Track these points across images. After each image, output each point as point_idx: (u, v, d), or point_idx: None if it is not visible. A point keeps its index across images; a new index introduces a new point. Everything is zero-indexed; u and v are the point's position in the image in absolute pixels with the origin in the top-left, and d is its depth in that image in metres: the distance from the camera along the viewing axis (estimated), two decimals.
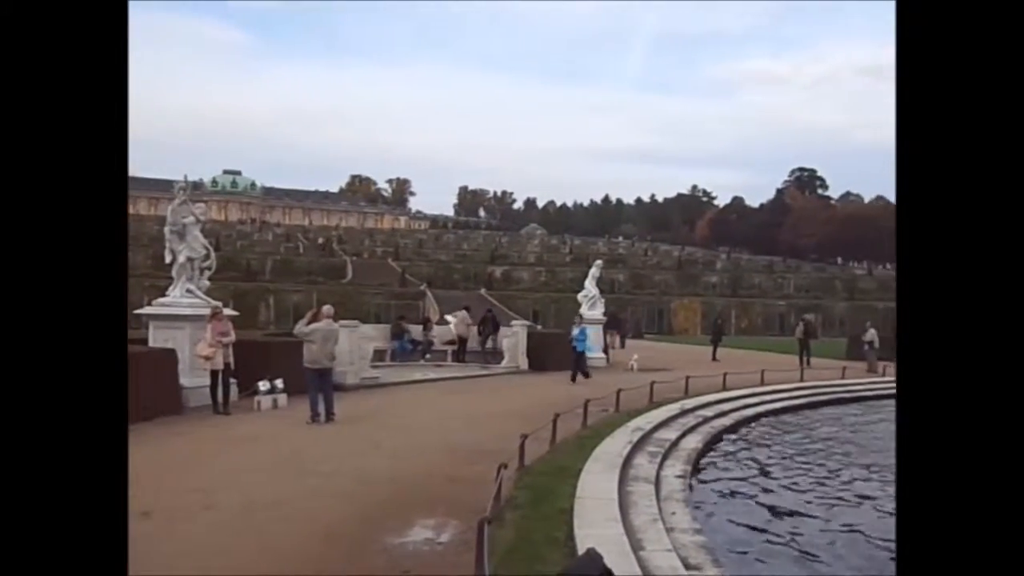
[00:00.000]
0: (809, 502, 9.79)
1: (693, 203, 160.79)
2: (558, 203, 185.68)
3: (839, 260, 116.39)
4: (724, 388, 17.86)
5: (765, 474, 11.23)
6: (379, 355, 21.79)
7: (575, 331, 20.72)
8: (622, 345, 34.00)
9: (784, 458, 12.45)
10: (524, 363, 22.36)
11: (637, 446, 10.66)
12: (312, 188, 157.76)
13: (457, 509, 7.16)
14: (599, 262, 28.32)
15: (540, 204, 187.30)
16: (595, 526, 6.57)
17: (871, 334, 27.43)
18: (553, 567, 5.34)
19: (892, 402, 19.95)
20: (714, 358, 27.35)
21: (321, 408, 12.31)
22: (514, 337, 22.85)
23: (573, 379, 19.59)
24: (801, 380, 21.26)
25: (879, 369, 24.88)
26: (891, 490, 10.32)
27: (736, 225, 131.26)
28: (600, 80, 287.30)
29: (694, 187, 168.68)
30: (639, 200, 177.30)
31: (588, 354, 24.56)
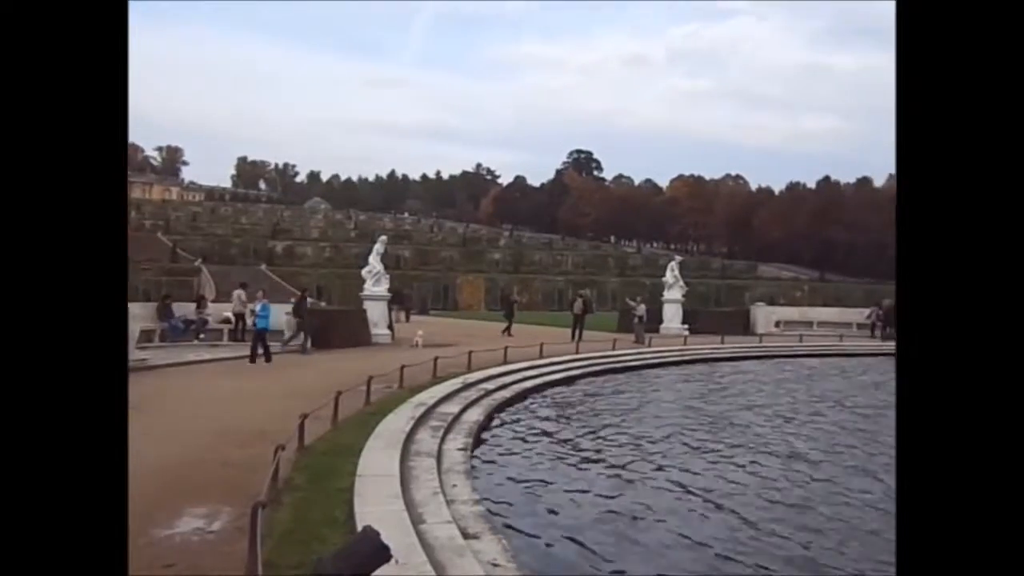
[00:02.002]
0: (582, 466, 10.41)
1: (477, 181, 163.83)
2: (343, 177, 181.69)
3: (612, 239, 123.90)
4: (505, 362, 18.43)
5: (546, 441, 11.76)
6: (148, 336, 20.30)
7: (257, 307, 19.49)
8: (407, 320, 34.14)
9: (560, 418, 13.11)
10: (308, 341, 21.71)
11: (420, 421, 10.77)
12: None
13: (231, 495, 6.87)
14: (384, 238, 28.06)
15: (324, 178, 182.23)
16: (376, 503, 6.57)
17: (640, 308, 29.48)
18: (332, 547, 5.26)
19: (657, 371, 21.68)
20: (508, 332, 27.73)
21: None
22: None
23: (252, 359, 18.23)
24: (576, 352, 22.42)
25: (645, 340, 26.80)
26: (629, 450, 11.25)
27: (519, 203, 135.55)
28: (386, 55, 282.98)
29: (478, 165, 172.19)
30: (425, 176, 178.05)
31: (374, 331, 24.41)
